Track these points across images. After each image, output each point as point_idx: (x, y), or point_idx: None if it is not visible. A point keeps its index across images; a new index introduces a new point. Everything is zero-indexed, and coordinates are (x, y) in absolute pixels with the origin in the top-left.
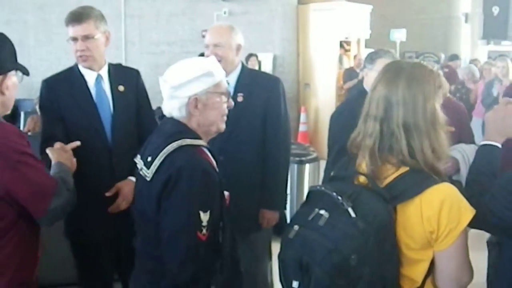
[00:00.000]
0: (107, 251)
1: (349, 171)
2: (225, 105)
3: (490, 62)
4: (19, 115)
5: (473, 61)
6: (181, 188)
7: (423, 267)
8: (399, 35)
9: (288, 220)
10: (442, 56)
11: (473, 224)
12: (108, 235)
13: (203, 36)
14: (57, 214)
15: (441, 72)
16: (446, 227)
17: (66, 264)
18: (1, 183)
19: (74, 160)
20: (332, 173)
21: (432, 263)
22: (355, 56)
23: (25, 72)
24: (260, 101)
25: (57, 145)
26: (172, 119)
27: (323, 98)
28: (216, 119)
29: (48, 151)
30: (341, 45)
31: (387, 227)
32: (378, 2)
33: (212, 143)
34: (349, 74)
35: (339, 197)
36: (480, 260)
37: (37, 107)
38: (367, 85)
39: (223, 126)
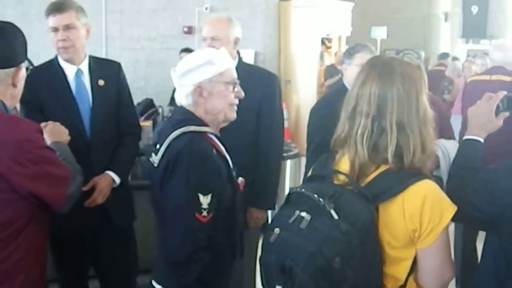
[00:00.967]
0: (84, 247)
1: (328, 170)
2: (232, 95)
3: (470, 60)
4: None
5: (454, 59)
6: (179, 171)
7: (406, 266)
8: (380, 32)
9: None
10: (423, 54)
11: (454, 218)
12: (85, 230)
13: (185, 32)
14: (73, 199)
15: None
16: (429, 224)
17: None
18: (26, 183)
19: (65, 129)
20: (310, 172)
21: (415, 261)
22: (336, 53)
23: (31, 63)
24: (255, 95)
25: (44, 124)
26: (181, 107)
27: (304, 95)
28: (223, 108)
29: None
30: (323, 42)
31: (370, 227)
32: (359, 0)
33: None
34: (330, 71)
35: (321, 199)
36: None
37: None
38: (347, 80)
39: (232, 115)
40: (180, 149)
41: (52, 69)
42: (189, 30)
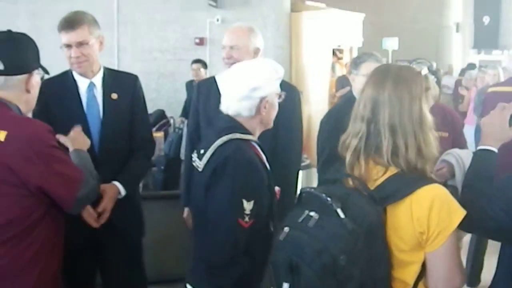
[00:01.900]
0: (91, 257)
1: (340, 174)
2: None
3: (484, 70)
4: None
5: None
6: (226, 176)
7: (415, 269)
8: (391, 43)
9: None
10: (434, 64)
11: (469, 228)
12: (89, 242)
13: (196, 43)
14: (84, 202)
15: (431, 76)
16: (436, 227)
17: None
18: (35, 178)
19: (87, 139)
20: (325, 177)
21: (424, 266)
22: (347, 64)
23: (46, 71)
24: None
25: (71, 133)
26: (227, 116)
27: (316, 106)
28: (273, 117)
29: (63, 140)
30: (334, 53)
31: (377, 228)
32: (370, 11)
33: None
34: (342, 82)
35: (328, 198)
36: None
37: None
38: (355, 90)
39: (272, 124)
40: (227, 155)
41: (65, 81)
42: (201, 42)
